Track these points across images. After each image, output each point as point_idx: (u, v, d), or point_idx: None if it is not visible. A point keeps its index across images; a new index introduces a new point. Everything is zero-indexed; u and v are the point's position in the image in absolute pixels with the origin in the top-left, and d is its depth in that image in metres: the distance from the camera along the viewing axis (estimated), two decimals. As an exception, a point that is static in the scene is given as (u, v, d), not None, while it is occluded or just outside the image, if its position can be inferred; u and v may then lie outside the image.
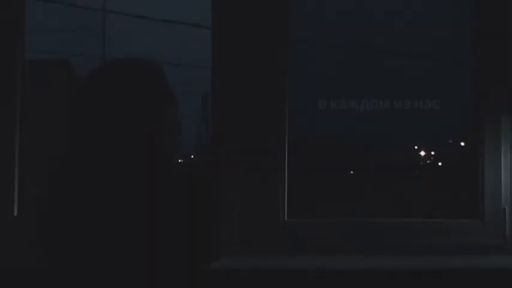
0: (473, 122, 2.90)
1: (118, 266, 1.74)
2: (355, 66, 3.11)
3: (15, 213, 2.71)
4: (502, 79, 2.84)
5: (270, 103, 2.78)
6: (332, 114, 3.04)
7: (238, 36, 2.77)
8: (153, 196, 1.72)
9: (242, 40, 2.77)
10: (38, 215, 1.87)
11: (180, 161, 2.08)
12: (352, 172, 3.43)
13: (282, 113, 2.80)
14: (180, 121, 1.92)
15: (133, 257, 1.74)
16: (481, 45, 2.86)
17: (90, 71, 1.80)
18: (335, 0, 3.16)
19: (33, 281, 2.29)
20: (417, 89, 3.12)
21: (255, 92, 2.78)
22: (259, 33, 2.78)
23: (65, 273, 1.80)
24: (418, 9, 3.11)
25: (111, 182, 1.74)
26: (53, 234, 1.81)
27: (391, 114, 3.05)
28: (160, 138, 1.81)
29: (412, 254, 2.74)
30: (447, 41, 3.11)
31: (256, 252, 2.69)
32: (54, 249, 1.82)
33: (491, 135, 2.84)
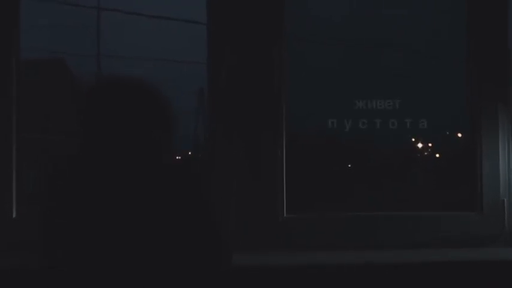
0: (470, 114, 2.90)
1: (128, 265, 1.78)
2: (352, 63, 3.10)
3: (14, 215, 2.71)
4: (498, 71, 2.84)
5: (266, 100, 2.78)
6: (330, 110, 3.03)
7: (234, 32, 2.76)
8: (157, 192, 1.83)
9: (238, 35, 2.76)
10: (42, 214, 1.91)
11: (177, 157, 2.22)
12: (349, 165, 3.43)
13: (278, 110, 2.78)
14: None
15: (144, 257, 1.79)
16: (477, 38, 2.86)
17: (109, 82, 1.98)
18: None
19: (33, 281, 2.29)
20: (414, 82, 3.11)
21: (252, 89, 2.77)
22: (254, 28, 2.77)
23: (69, 272, 1.83)
24: (414, 6, 3.11)
25: (122, 181, 1.83)
26: (58, 233, 1.85)
27: (388, 107, 3.04)
28: (167, 143, 1.96)
29: (411, 247, 2.74)
30: (444, 35, 3.11)
31: (255, 249, 2.69)
32: (58, 248, 1.85)
33: (489, 127, 2.84)
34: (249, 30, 2.77)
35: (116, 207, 1.81)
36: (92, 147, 1.90)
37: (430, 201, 3.07)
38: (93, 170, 1.86)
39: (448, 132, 3.45)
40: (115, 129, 1.88)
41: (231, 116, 2.76)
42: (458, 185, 3.06)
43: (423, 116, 3.00)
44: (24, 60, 2.87)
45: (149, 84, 1.96)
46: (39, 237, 1.89)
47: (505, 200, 2.81)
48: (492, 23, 2.85)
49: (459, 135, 3.37)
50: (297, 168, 2.86)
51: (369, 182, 3.14)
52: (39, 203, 1.98)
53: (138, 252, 1.79)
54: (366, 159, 3.20)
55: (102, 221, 1.81)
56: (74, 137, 2.00)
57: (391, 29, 3.07)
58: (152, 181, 1.84)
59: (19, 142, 2.75)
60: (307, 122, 3.03)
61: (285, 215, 2.77)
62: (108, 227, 1.80)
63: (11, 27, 2.75)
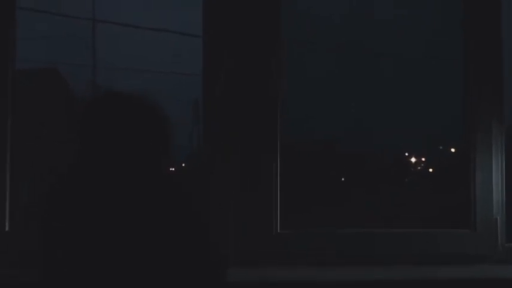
0: (464, 130, 2.91)
1: (121, 276, 1.81)
2: (348, 70, 3.11)
3: (7, 229, 2.69)
4: (493, 85, 2.86)
5: (264, 108, 2.77)
6: (323, 119, 3.03)
7: (229, 40, 2.76)
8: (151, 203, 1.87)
9: (233, 44, 2.76)
10: (40, 226, 1.95)
11: (172, 169, 2.27)
12: (343, 179, 3.43)
13: (275, 119, 2.78)
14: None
15: (140, 272, 1.81)
16: (472, 51, 2.88)
17: (108, 95, 2.03)
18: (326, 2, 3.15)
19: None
20: (409, 94, 3.12)
21: (247, 100, 2.76)
22: (250, 36, 2.77)
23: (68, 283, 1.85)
24: (409, 14, 3.12)
25: (117, 190, 1.87)
26: (57, 237, 1.89)
27: (381, 119, 3.05)
28: (165, 154, 2.01)
29: (403, 264, 2.74)
30: (439, 46, 3.12)
31: (249, 264, 2.68)
32: (58, 259, 1.88)
33: (482, 144, 2.85)
34: (245, 37, 2.76)
35: (110, 217, 1.84)
36: (90, 157, 1.94)
37: (423, 215, 3.08)
38: (91, 179, 1.90)
39: (441, 147, 3.45)
40: (113, 141, 1.92)
41: (224, 129, 2.75)
42: (451, 201, 3.07)
43: (419, 125, 3.01)
44: (19, 70, 2.87)
45: (147, 97, 2.00)
46: (38, 241, 1.92)
47: (498, 218, 2.81)
48: (488, 44, 2.87)
49: (452, 150, 3.38)
50: (293, 175, 2.85)
51: (365, 187, 3.14)
52: (38, 209, 2.01)
53: (131, 262, 1.81)
54: (362, 165, 3.21)
55: (96, 230, 1.84)
56: (68, 143, 2.05)
57: (384, 34, 3.07)
58: (149, 191, 1.88)
59: (13, 152, 2.74)
60: (302, 128, 3.04)
61: (278, 230, 2.76)
62: (102, 236, 1.84)
63: (7, 37, 2.75)
